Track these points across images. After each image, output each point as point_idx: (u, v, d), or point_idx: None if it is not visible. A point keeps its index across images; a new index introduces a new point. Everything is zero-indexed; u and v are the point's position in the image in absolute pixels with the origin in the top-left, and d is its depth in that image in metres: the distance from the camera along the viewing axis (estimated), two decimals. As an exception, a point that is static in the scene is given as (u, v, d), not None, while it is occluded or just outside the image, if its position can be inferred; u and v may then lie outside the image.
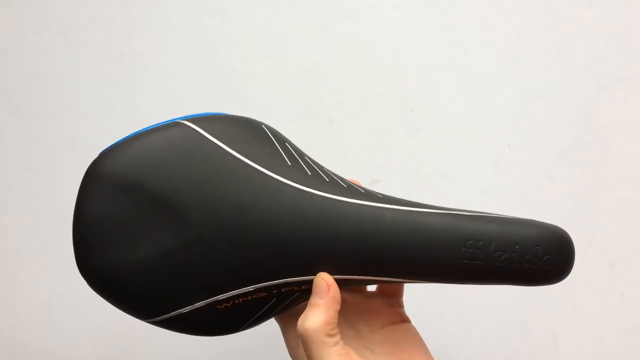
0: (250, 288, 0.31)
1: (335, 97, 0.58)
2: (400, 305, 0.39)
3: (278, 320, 0.37)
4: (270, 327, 0.37)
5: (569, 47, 0.56)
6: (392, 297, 0.38)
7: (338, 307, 0.31)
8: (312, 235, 0.31)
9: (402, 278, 0.33)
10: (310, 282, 0.31)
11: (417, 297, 0.42)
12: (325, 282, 0.31)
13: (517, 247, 0.32)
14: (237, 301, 0.31)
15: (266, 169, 0.31)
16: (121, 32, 0.58)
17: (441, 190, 0.58)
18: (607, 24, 0.56)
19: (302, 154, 0.34)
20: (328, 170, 0.34)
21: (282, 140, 0.33)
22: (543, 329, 0.58)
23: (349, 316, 0.36)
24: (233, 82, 0.58)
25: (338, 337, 0.31)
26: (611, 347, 0.58)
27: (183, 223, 0.30)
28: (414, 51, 0.57)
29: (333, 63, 0.58)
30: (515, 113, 0.57)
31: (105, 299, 0.31)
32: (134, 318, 0.32)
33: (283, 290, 0.32)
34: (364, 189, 0.34)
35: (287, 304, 0.33)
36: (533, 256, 0.32)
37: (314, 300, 0.31)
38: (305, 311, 0.31)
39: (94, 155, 0.58)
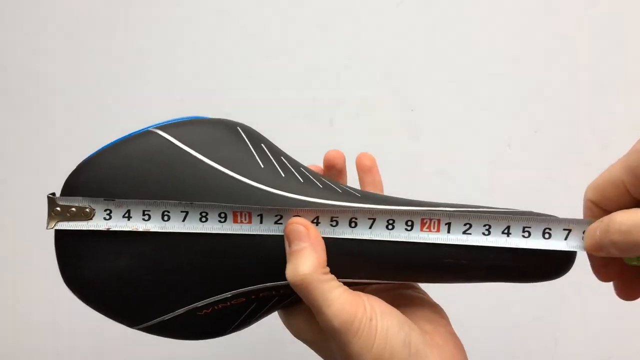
0: (228, 294, 0.31)
1: (335, 97, 0.58)
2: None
3: (279, 313, 0.35)
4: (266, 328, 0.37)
5: (569, 47, 0.57)
6: None
7: (323, 246, 0.30)
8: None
9: (384, 279, 0.32)
10: (287, 286, 0.31)
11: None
12: (301, 225, 0.30)
13: None
14: (216, 307, 0.31)
15: (235, 172, 0.31)
16: (121, 32, 0.58)
17: (441, 190, 0.58)
18: (607, 24, 0.56)
19: (278, 155, 0.33)
20: (305, 170, 0.33)
21: (257, 141, 0.33)
22: (543, 329, 0.58)
23: None
24: (233, 82, 0.58)
25: (333, 276, 0.30)
26: (611, 347, 0.58)
27: (155, 233, 0.30)
28: (414, 51, 0.57)
29: (333, 63, 0.58)
30: (515, 113, 0.57)
31: (94, 309, 0.32)
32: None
33: (261, 295, 0.31)
34: (341, 187, 0.33)
35: (268, 309, 0.33)
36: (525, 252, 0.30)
37: (296, 246, 0.29)
38: (290, 261, 0.30)
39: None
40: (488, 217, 0.30)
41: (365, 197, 0.32)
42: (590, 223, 0.28)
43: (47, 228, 0.31)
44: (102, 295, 0.31)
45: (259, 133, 0.34)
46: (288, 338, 0.35)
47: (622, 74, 0.56)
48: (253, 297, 0.31)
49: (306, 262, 0.29)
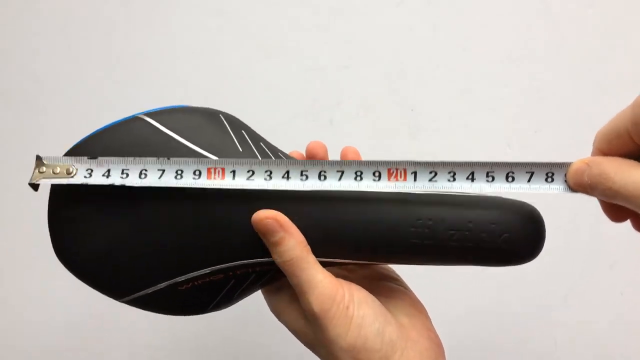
0: (207, 270, 0.32)
1: (336, 97, 0.58)
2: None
3: (263, 292, 0.36)
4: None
5: (569, 47, 0.57)
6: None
7: (296, 227, 0.31)
8: None
9: (353, 259, 0.33)
10: (263, 264, 0.32)
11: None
12: (268, 219, 0.31)
13: (470, 225, 0.31)
14: (196, 283, 0.32)
15: (215, 155, 0.32)
16: (121, 32, 0.58)
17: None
18: (607, 24, 0.56)
19: (257, 140, 0.34)
20: (282, 154, 0.35)
21: (238, 127, 0.34)
22: (543, 329, 0.58)
23: None
24: (233, 82, 0.58)
25: (316, 260, 0.31)
26: (611, 347, 0.58)
27: (136, 209, 0.32)
28: (414, 51, 0.57)
29: (333, 63, 0.58)
30: (515, 113, 0.57)
31: (82, 281, 0.34)
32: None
33: (238, 272, 0.33)
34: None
35: (247, 286, 0.34)
36: (488, 235, 0.31)
37: (273, 237, 0.30)
38: (273, 251, 0.31)
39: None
40: (453, 165, 0.30)
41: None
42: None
43: (29, 182, 0.32)
44: (89, 268, 0.33)
45: (240, 121, 0.35)
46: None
47: (622, 74, 0.56)
48: (230, 274, 0.33)
49: (289, 248, 0.30)
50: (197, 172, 0.31)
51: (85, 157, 0.32)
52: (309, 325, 0.31)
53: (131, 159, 0.31)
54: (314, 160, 0.32)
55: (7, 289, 0.61)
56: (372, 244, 0.32)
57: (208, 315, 0.35)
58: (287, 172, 0.31)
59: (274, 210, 0.31)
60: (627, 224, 0.32)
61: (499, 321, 0.58)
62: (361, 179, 0.31)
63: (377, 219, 0.31)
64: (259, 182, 0.31)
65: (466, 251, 0.31)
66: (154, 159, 0.31)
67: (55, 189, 0.33)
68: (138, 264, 0.32)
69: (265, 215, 0.31)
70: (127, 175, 0.31)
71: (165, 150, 0.32)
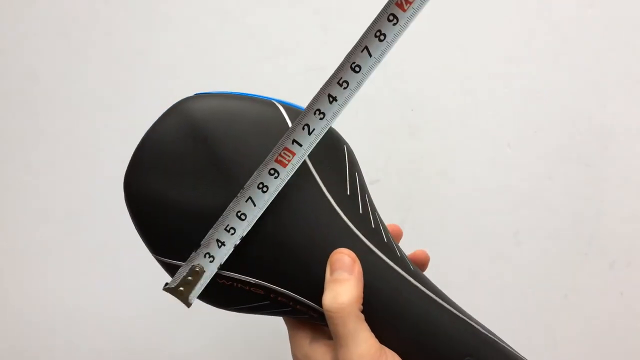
0: (252, 280, 0.31)
1: (335, 97, 0.58)
2: None
3: (286, 321, 0.36)
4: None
5: (569, 47, 0.57)
6: None
7: (363, 284, 0.30)
8: None
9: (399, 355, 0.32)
10: (309, 306, 0.31)
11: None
12: (349, 257, 0.30)
13: None
14: (235, 284, 0.32)
15: (326, 187, 0.31)
16: (121, 32, 0.58)
17: (441, 190, 0.58)
18: (607, 24, 0.56)
19: (364, 190, 0.33)
20: (378, 216, 0.34)
21: (354, 167, 0.33)
22: (543, 329, 0.58)
23: None
24: (233, 82, 0.58)
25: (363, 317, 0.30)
26: (611, 347, 0.58)
27: (227, 192, 0.30)
28: (414, 51, 0.57)
29: (333, 63, 0.58)
30: (515, 113, 0.57)
31: (131, 217, 0.32)
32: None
33: (279, 299, 0.32)
34: (401, 252, 0.33)
35: (276, 312, 0.33)
36: None
37: (339, 275, 0.29)
38: (330, 288, 0.30)
39: (95, 154, 0.58)
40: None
41: (416, 274, 0.33)
42: None
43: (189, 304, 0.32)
44: (146, 212, 0.31)
45: (356, 160, 0.34)
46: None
47: (621, 74, 0.56)
48: (272, 295, 0.32)
49: (347, 293, 0.29)
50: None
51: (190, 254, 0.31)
52: None
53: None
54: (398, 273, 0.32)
55: (7, 289, 0.61)
56: (422, 351, 0.31)
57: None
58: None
59: (355, 256, 0.31)
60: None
61: (499, 321, 0.58)
62: None
63: (437, 332, 0.31)
64: None
65: None
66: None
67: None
68: (196, 237, 0.31)
69: (345, 252, 0.30)
70: (245, 216, 0.30)
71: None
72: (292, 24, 0.58)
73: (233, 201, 0.30)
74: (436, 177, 0.58)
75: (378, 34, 0.29)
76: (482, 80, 0.57)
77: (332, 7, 0.57)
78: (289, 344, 0.35)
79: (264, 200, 0.30)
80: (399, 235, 0.39)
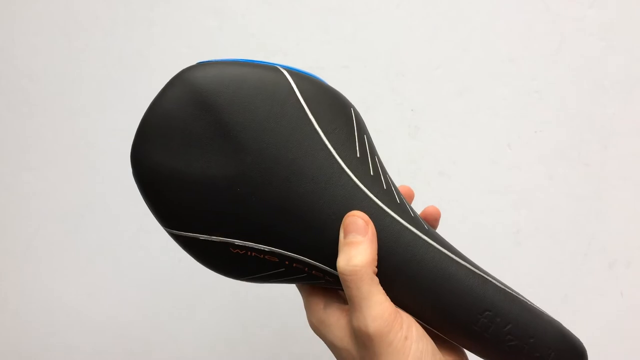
0: (267, 248, 0.31)
1: (335, 97, 0.58)
2: None
3: (300, 288, 0.35)
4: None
5: (569, 47, 0.57)
6: None
7: (377, 246, 0.30)
8: None
9: (415, 316, 0.32)
10: (324, 271, 0.31)
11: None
12: (362, 219, 0.30)
13: (532, 341, 0.31)
14: (249, 253, 0.31)
15: (335, 150, 0.31)
16: (121, 32, 0.58)
17: (441, 190, 0.58)
18: (607, 24, 0.56)
19: (374, 153, 0.33)
20: (390, 179, 0.33)
21: (362, 130, 0.33)
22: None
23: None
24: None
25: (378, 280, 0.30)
26: (611, 347, 0.58)
27: (235, 160, 0.30)
28: (414, 51, 0.57)
29: (333, 63, 0.58)
30: (515, 113, 0.57)
31: (140, 192, 0.32)
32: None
33: (294, 265, 0.31)
34: (414, 212, 0.33)
35: (291, 279, 0.33)
36: (542, 357, 0.31)
37: (353, 238, 0.29)
38: (344, 251, 0.29)
39: (94, 154, 0.58)
40: None
41: (430, 233, 0.33)
42: None
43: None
44: (156, 186, 0.31)
45: (364, 123, 0.34)
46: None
47: (621, 74, 0.56)
48: (286, 262, 0.31)
49: (361, 255, 0.29)
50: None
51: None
52: (355, 345, 0.30)
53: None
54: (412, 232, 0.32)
55: (7, 289, 0.61)
56: (439, 310, 0.31)
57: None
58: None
59: (369, 218, 0.30)
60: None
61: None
62: None
63: (453, 289, 0.31)
64: None
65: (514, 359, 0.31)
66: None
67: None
68: (207, 207, 0.30)
69: (358, 214, 0.30)
70: None
71: (293, 119, 0.30)
72: (292, 24, 0.58)
73: None
74: (436, 177, 0.58)
75: None
76: (482, 80, 0.57)
77: (332, 7, 0.57)
78: (304, 312, 0.34)
79: None
80: (411, 197, 0.39)
